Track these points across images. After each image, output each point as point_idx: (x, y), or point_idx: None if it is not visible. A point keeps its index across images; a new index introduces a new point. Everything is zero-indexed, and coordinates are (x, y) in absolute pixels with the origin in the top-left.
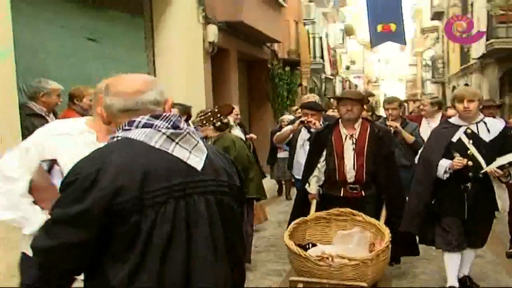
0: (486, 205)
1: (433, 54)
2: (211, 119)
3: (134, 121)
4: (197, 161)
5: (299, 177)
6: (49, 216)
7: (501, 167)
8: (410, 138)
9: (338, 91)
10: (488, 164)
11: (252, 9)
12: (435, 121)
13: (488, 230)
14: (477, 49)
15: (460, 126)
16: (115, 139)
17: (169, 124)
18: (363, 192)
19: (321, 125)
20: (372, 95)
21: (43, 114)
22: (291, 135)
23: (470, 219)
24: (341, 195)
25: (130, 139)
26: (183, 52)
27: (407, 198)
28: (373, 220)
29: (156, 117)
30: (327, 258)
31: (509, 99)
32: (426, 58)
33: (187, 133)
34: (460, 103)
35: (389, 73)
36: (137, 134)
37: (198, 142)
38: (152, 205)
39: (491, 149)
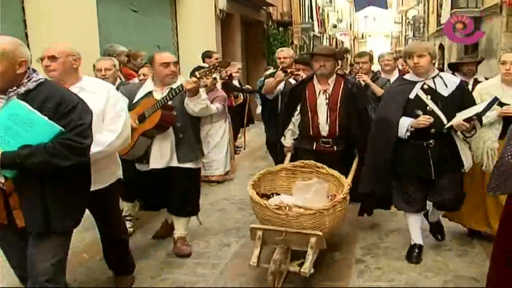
0: (452, 162)
1: (415, 14)
2: (212, 71)
3: None
4: None
5: None
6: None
7: (467, 120)
8: (379, 91)
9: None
10: (448, 119)
11: None
12: (395, 76)
13: (460, 188)
14: (444, 16)
15: (416, 82)
16: None
17: None
18: (335, 147)
19: (302, 79)
20: (348, 51)
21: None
22: (281, 86)
23: (437, 177)
24: (314, 148)
25: None
26: (199, 18)
27: None
28: (335, 172)
29: None
30: (285, 207)
31: (473, 58)
32: (409, 16)
33: None
34: (410, 59)
35: (376, 29)
36: None
37: None
38: None
39: (450, 104)
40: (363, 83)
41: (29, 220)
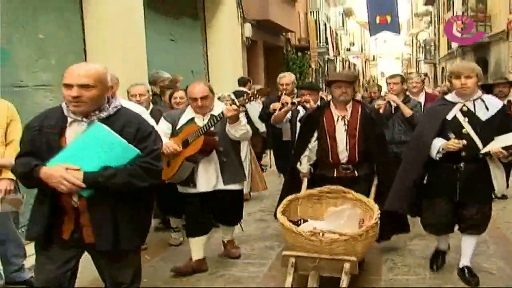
0: (480, 186)
1: (426, 38)
2: (252, 98)
3: None
4: None
5: None
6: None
7: (506, 148)
8: (408, 112)
9: (339, 70)
10: (484, 143)
11: (275, 8)
12: (421, 98)
13: (487, 214)
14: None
15: (456, 103)
16: None
17: None
18: (356, 172)
19: (318, 105)
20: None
21: (159, 94)
22: (289, 115)
23: (464, 201)
24: (335, 175)
25: None
26: (228, 45)
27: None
28: (362, 197)
29: None
30: (319, 233)
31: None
32: (420, 39)
33: None
34: (457, 79)
35: (387, 51)
36: None
37: None
38: None
39: (488, 128)
40: (393, 104)
41: (99, 238)
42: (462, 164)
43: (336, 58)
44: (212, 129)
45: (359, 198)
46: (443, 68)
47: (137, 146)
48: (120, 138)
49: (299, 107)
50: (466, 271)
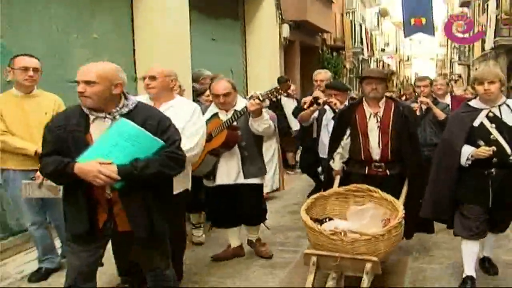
0: (511, 192)
1: None
2: (274, 93)
3: None
4: None
5: (323, 156)
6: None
7: None
8: (441, 115)
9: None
10: None
11: (312, 9)
12: (446, 101)
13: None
14: (488, 43)
15: (481, 110)
16: None
17: None
18: (388, 171)
19: (345, 105)
20: (394, 73)
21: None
22: (316, 114)
23: (495, 207)
24: (366, 173)
25: None
26: (266, 45)
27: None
28: (388, 196)
29: None
30: (340, 232)
31: None
32: None
33: None
34: (480, 85)
35: (421, 52)
36: None
37: None
38: None
39: None
40: (424, 107)
41: (136, 225)
42: (493, 170)
43: (371, 59)
44: (235, 123)
45: (385, 198)
46: (476, 69)
47: (160, 137)
48: (144, 131)
49: (327, 107)
50: (486, 261)
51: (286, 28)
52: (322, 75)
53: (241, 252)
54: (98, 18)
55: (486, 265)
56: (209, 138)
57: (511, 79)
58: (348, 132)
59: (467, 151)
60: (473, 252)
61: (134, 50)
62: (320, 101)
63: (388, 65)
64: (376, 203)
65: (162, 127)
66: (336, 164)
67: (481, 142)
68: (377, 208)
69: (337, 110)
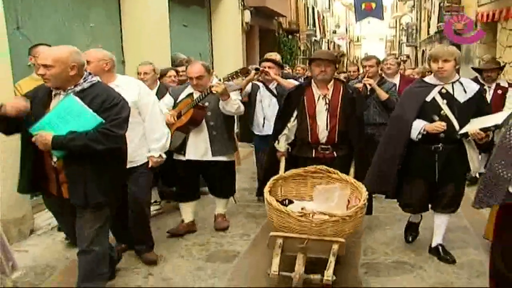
0: (457, 166)
1: (408, 21)
2: (234, 76)
3: None
4: None
5: (257, 132)
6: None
7: (484, 129)
8: (384, 96)
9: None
10: (461, 125)
11: None
12: (396, 80)
13: (460, 193)
14: (433, 27)
15: (435, 86)
16: None
17: None
18: (334, 153)
19: (280, 75)
20: (344, 55)
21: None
22: (249, 89)
23: (441, 181)
24: (313, 156)
25: None
26: (229, 30)
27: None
28: (348, 177)
29: None
30: (308, 214)
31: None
32: (403, 22)
33: None
34: (435, 63)
35: (371, 33)
36: None
37: None
38: None
39: (465, 110)
40: (369, 87)
41: (72, 194)
42: (440, 145)
43: (322, 40)
44: (206, 104)
45: (344, 179)
46: (423, 50)
47: (102, 114)
48: (86, 108)
49: (260, 84)
50: (440, 249)
51: (247, 14)
52: (273, 56)
53: (193, 228)
54: (93, 10)
55: (441, 253)
56: (179, 115)
57: None
58: (295, 114)
59: (419, 125)
60: (417, 216)
61: (121, 36)
62: (258, 67)
63: (339, 46)
64: (340, 183)
65: (105, 106)
66: (281, 145)
67: (436, 117)
68: (342, 188)
69: (270, 86)
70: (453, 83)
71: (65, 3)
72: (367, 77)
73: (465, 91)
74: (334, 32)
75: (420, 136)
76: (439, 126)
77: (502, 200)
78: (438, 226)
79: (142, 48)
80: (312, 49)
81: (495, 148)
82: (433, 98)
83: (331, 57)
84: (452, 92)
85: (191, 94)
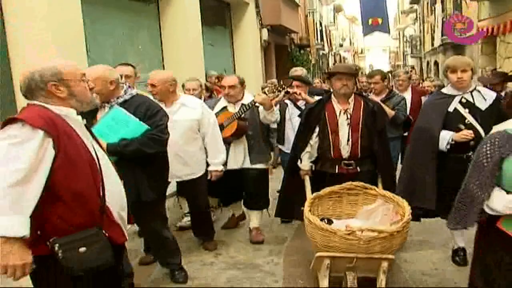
0: None
1: (412, 34)
2: (277, 88)
3: None
4: None
5: (287, 150)
6: None
7: None
8: (390, 113)
9: (331, 64)
10: (486, 132)
11: (285, 14)
12: (407, 93)
13: None
14: (437, 39)
15: (454, 96)
16: None
17: None
18: (358, 168)
19: (312, 97)
20: (359, 68)
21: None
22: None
23: None
24: (336, 171)
25: None
26: (249, 48)
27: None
28: (387, 192)
29: None
30: (357, 231)
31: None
32: (407, 34)
33: None
34: (453, 74)
35: (374, 44)
36: None
37: None
38: None
39: (487, 117)
40: None
41: (126, 192)
42: (471, 154)
43: (329, 53)
44: (243, 115)
45: (383, 194)
46: (428, 61)
47: (147, 122)
48: (133, 117)
49: (288, 102)
50: (461, 253)
51: (265, 32)
52: (299, 72)
53: (243, 217)
54: (140, 34)
55: (462, 255)
56: (221, 128)
57: None
58: (317, 130)
59: (446, 136)
60: (461, 235)
61: (163, 57)
62: (289, 89)
63: (345, 58)
64: (382, 200)
65: (149, 114)
66: (305, 164)
67: (462, 126)
68: (386, 205)
69: (298, 103)
70: (471, 92)
71: (120, 28)
72: (374, 94)
73: (485, 99)
74: (341, 45)
75: (448, 147)
76: (467, 134)
77: (475, 220)
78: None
79: (180, 66)
80: (321, 62)
81: (470, 166)
82: (455, 108)
83: (351, 70)
84: (472, 101)
85: (225, 108)
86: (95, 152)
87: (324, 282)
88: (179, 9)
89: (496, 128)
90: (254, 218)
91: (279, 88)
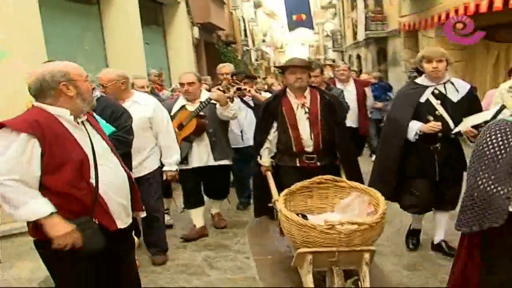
0: (456, 165)
1: (333, 28)
2: (233, 84)
3: None
4: None
5: (234, 145)
6: None
7: (475, 127)
8: None
9: (253, 59)
10: (456, 124)
11: (213, 12)
12: (351, 85)
13: (459, 191)
14: (360, 34)
15: (427, 87)
16: None
17: None
18: (318, 163)
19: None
20: (312, 62)
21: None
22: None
23: (441, 180)
24: (297, 165)
25: None
26: (183, 45)
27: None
28: (358, 184)
29: None
30: (338, 225)
31: (383, 66)
32: (327, 29)
33: None
34: (429, 63)
35: (292, 38)
36: None
37: None
38: None
39: (458, 109)
40: None
41: None
42: (438, 145)
43: (252, 49)
44: (201, 113)
45: (355, 186)
46: (350, 55)
47: (113, 124)
48: (99, 119)
49: (235, 99)
50: (443, 244)
51: (196, 30)
52: (226, 68)
53: (205, 231)
54: (87, 35)
55: (444, 248)
56: (181, 127)
57: (381, 63)
58: (275, 125)
59: (415, 126)
60: (420, 219)
61: (106, 57)
62: (241, 86)
63: (267, 53)
64: (357, 192)
65: (115, 116)
66: (265, 160)
67: (431, 118)
68: (361, 196)
69: (245, 99)
70: (444, 83)
71: (68, 30)
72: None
73: (457, 91)
74: (263, 41)
75: (416, 137)
76: (434, 126)
77: (503, 220)
78: (439, 223)
79: (123, 66)
80: (245, 58)
81: (475, 160)
82: (427, 99)
83: (305, 63)
84: (445, 92)
85: (184, 106)
86: (93, 148)
87: (308, 278)
88: (120, 9)
89: (471, 120)
90: (215, 205)
91: (232, 83)
